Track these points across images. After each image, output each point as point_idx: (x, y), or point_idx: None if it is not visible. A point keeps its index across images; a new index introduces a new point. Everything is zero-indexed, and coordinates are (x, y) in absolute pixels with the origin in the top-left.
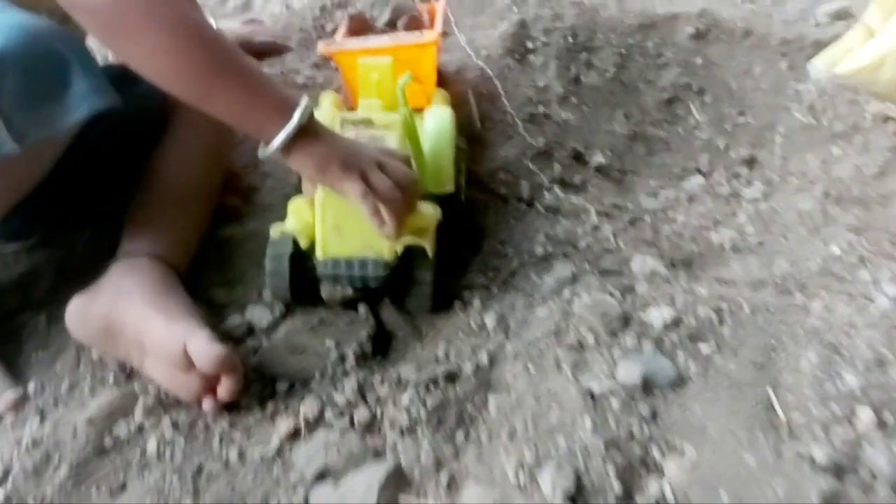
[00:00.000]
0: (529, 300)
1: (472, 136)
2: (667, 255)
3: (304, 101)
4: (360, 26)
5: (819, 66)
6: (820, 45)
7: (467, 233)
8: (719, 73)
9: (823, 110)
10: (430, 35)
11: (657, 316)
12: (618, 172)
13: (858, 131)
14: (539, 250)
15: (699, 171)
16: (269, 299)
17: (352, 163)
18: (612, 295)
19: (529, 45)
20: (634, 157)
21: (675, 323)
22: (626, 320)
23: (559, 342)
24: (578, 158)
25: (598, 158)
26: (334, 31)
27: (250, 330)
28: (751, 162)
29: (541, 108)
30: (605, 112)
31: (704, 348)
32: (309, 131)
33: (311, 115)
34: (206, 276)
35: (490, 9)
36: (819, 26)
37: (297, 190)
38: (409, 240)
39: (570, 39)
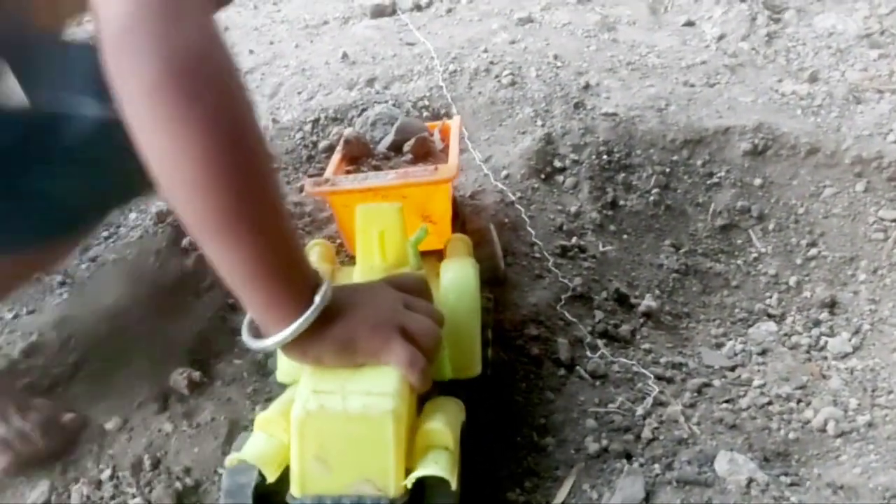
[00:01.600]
0: None
1: (494, 280)
2: (756, 445)
3: (325, 285)
4: (359, 151)
5: None
6: None
7: (493, 413)
8: (782, 195)
9: None
10: (447, 171)
11: None
12: (670, 317)
13: None
14: (591, 444)
15: (769, 315)
16: None
17: (382, 324)
18: None
19: (557, 163)
20: (688, 297)
21: None
22: None
23: None
24: (623, 301)
25: (646, 301)
26: (329, 150)
27: None
28: (832, 305)
29: (574, 240)
30: (650, 241)
31: None
32: (326, 314)
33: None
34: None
35: (510, 121)
36: None
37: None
38: (423, 471)
39: (605, 157)
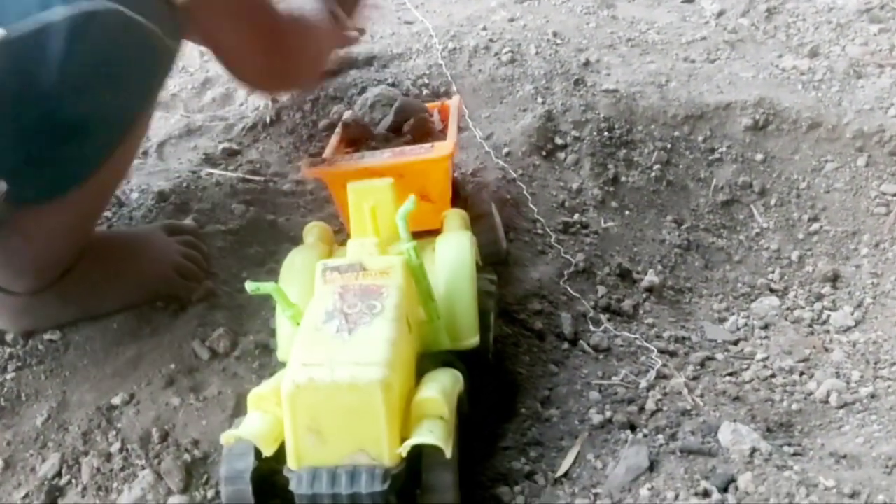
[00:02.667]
0: (592, 500)
1: (495, 256)
2: (759, 417)
3: None
4: (358, 134)
5: None
6: None
7: (496, 385)
8: (784, 170)
9: None
10: (443, 149)
11: None
12: (672, 292)
13: None
14: (595, 415)
15: (771, 289)
16: None
17: None
18: (707, 494)
19: (558, 140)
20: (690, 272)
21: None
22: None
23: None
24: (625, 277)
25: (648, 276)
26: (329, 129)
27: None
28: (834, 279)
29: (576, 216)
30: (652, 217)
31: None
32: None
33: None
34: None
35: (510, 98)
36: None
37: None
38: (417, 439)
39: (606, 133)
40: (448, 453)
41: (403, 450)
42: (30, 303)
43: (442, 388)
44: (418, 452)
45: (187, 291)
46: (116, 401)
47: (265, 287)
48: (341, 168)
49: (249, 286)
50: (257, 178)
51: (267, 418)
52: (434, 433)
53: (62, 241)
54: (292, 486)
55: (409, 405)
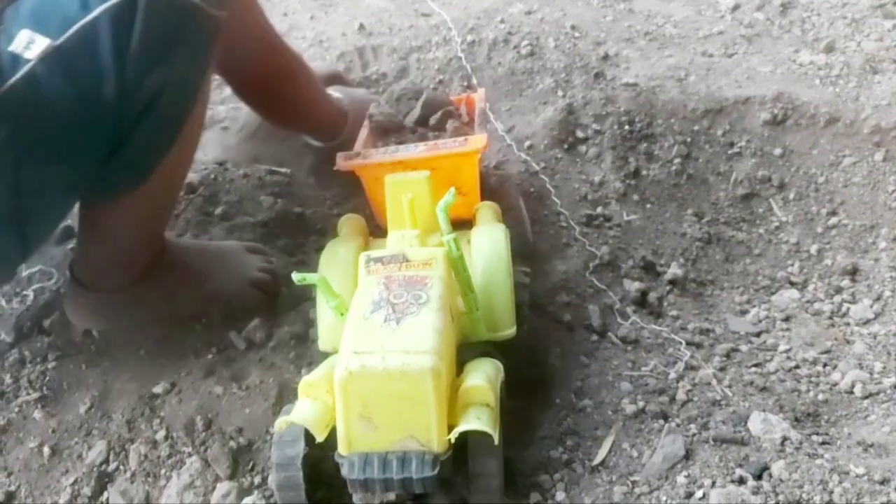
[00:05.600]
0: (631, 488)
1: (523, 248)
2: (786, 406)
3: None
4: (386, 126)
5: None
6: None
7: (530, 376)
8: (802, 164)
9: None
10: (477, 142)
11: None
12: (695, 284)
13: None
14: (628, 405)
15: (791, 282)
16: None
17: None
18: (742, 481)
19: (579, 133)
20: (711, 265)
21: None
22: None
23: None
24: (649, 269)
25: (672, 269)
26: None
27: None
28: (853, 272)
29: (599, 209)
30: (673, 210)
31: None
32: None
33: None
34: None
35: (530, 91)
36: None
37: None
38: (466, 426)
39: (626, 126)
40: (496, 440)
41: (453, 436)
42: (108, 302)
43: (486, 376)
44: (463, 440)
45: (258, 303)
46: (158, 390)
47: (311, 278)
48: (376, 161)
49: (296, 276)
50: (283, 170)
51: (317, 405)
52: (482, 420)
53: (138, 236)
54: (344, 472)
55: (454, 394)
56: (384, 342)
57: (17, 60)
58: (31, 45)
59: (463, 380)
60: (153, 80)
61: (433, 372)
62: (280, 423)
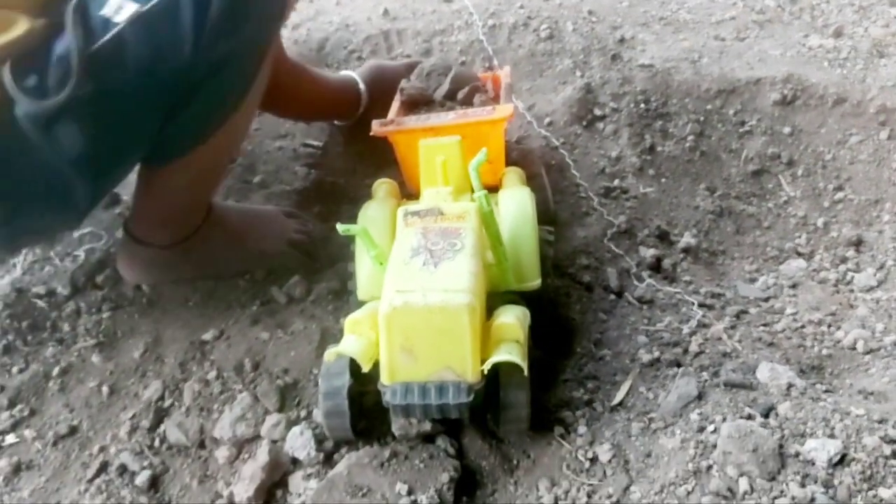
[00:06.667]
0: (648, 424)
1: (545, 214)
2: (792, 360)
3: None
4: (416, 100)
5: None
6: None
7: (553, 329)
8: (810, 142)
9: None
10: (503, 110)
11: (819, 449)
12: (707, 254)
13: None
14: (644, 355)
15: (798, 252)
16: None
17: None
18: (751, 418)
19: (597, 111)
20: (723, 236)
21: (842, 459)
22: (781, 457)
23: (703, 488)
24: (664, 238)
25: (685, 238)
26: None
27: (294, 462)
28: (857, 244)
29: (616, 181)
30: (686, 184)
31: (886, 494)
32: None
33: None
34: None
35: (550, 72)
36: None
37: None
38: (500, 357)
39: (643, 105)
40: (525, 370)
41: (486, 366)
42: (158, 256)
43: (517, 316)
44: (494, 374)
45: (300, 265)
46: (207, 336)
47: (354, 229)
48: (409, 127)
49: (340, 227)
50: (316, 143)
51: (362, 340)
52: (512, 353)
53: (191, 197)
54: (386, 398)
55: (486, 333)
56: (424, 282)
57: (107, 23)
58: (120, 9)
59: (494, 320)
60: (224, 48)
61: (469, 308)
62: (329, 353)
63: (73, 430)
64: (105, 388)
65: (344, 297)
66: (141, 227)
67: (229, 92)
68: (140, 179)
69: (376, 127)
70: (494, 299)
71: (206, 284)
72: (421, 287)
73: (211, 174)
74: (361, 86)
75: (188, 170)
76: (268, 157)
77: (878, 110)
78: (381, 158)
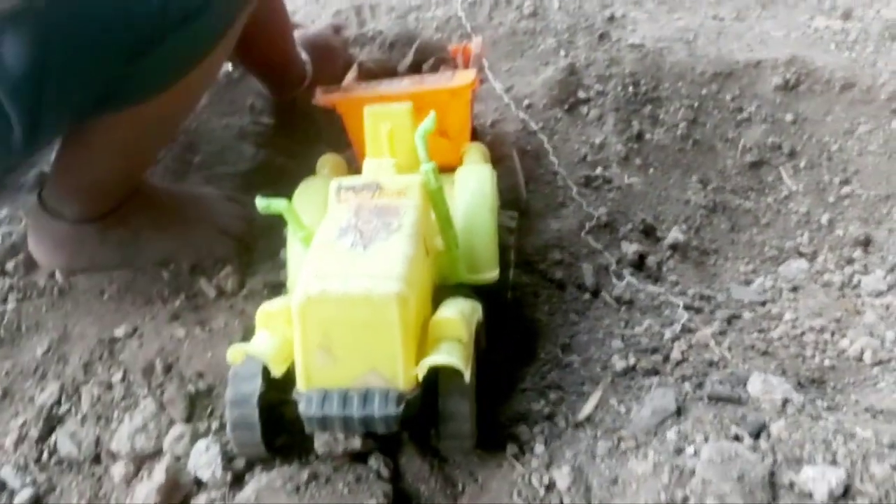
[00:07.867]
0: (616, 444)
1: (515, 204)
2: (789, 371)
3: None
4: (375, 73)
5: None
6: None
7: (514, 332)
8: (814, 132)
9: None
10: (464, 77)
11: (818, 479)
12: (697, 252)
13: None
14: (618, 362)
15: (800, 253)
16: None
17: None
18: (738, 439)
19: (581, 94)
20: (716, 233)
21: (846, 491)
22: (772, 488)
23: None
24: (649, 233)
25: (673, 234)
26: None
27: (198, 484)
28: (865, 243)
29: (598, 170)
30: (677, 176)
31: None
32: None
33: None
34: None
35: (531, 51)
36: None
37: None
38: (434, 359)
39: (631, 89)
40: (467, 377)
41: (420, 370)
42: (70, 234)
43: (460, 311)
44: (434, 382)
45: (232, 254)
46: (119, 333)
47: (276, 204)
48: (357, 95)
49: (260, 202)
50: (266, 121)
51: (276, 337)
52: (452, 354)
53: (121, 164)
54: (301, 408)
55: (425, 332)
56: (348, 267)
57: None
58: None
59: (433, 316)
60: None
61: (399, 298)
62: (233, 352)
63: None
64: None
65: (282, 292)
66: (52, 196)
67: (197, 42)
68: (65, 142)
69: (320, 96)
70: (443, 293)
71: (125, 274)
72: (343, 272)
73: (148, 141)
74: (305, 56)
75: (128, 128)
76: (211, 136)
77: (890, 97)
78: (341, 137)
